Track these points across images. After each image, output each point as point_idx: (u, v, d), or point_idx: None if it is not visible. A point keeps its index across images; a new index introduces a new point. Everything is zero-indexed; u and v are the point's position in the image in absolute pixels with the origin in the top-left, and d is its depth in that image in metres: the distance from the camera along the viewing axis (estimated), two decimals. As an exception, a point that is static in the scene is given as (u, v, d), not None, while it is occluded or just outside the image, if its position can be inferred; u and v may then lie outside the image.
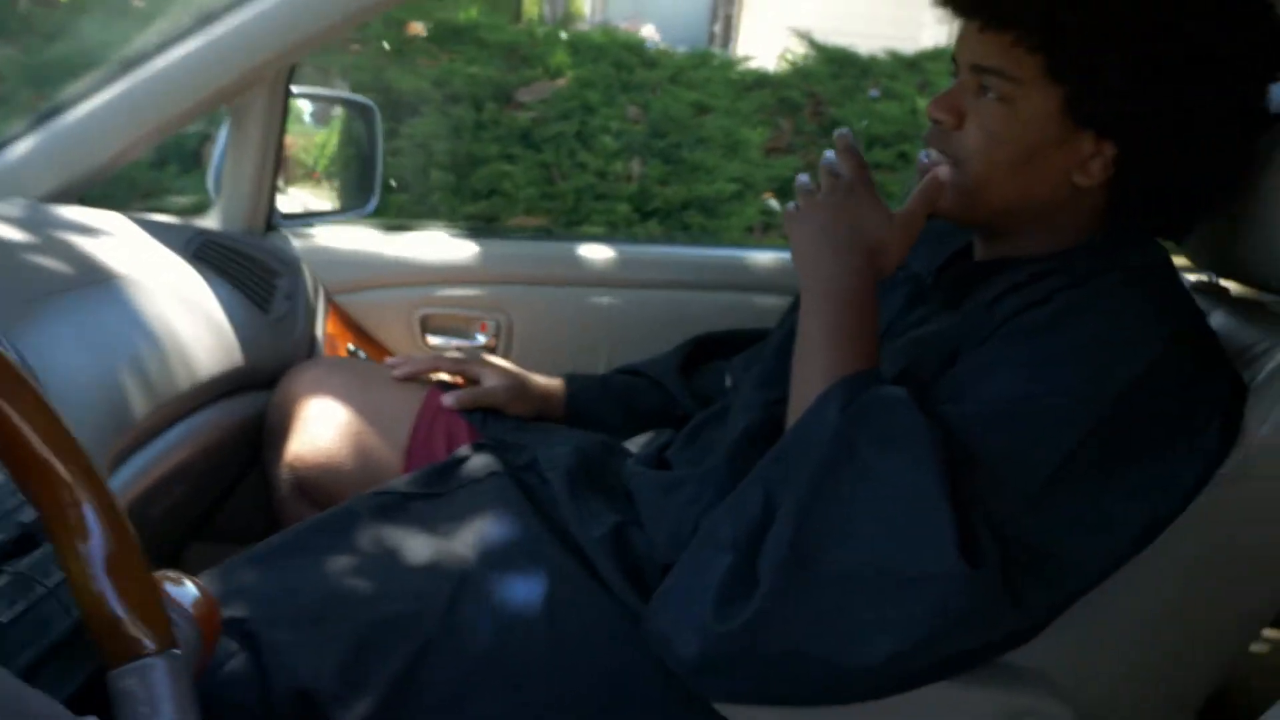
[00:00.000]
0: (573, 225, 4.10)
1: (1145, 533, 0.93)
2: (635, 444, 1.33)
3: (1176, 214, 1.03)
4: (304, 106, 2.33)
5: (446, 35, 4.35)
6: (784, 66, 4.98)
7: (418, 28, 4.44)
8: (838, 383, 0.93)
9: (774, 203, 4.34)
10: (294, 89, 1.68)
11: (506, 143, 4.12)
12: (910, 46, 5.25)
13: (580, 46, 4.37)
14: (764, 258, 1.94)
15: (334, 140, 2.46)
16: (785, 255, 1.95)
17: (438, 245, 1.82)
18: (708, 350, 1.47)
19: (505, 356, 1.77)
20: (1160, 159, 0.97)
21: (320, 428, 1.32)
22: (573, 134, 4.16)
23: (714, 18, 15.51)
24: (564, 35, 4.39)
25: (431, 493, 1.14)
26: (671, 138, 4.23)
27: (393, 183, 3.91)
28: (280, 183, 1.75)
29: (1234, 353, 1.02)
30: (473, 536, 1.08)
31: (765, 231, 4.36)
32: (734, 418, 1.12)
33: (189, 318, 1.33)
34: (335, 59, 4.21)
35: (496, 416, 1.35)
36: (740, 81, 4.56)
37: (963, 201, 1.01)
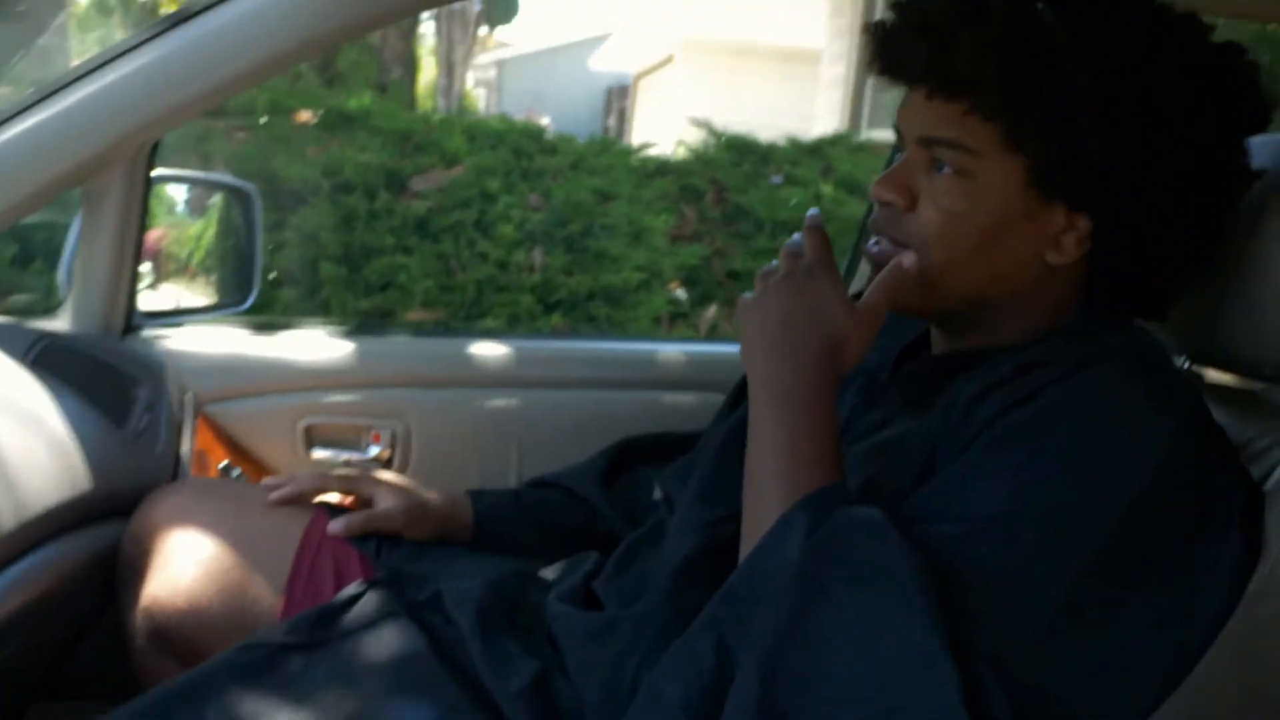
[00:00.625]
0: (473, 319, 3.95)
1: (1174, 670, 0.82)
2: (554, 570, 1.20)
3: (1161, 289, 0.95)
4: (176, 194, 2.15)
5: (337, 122, 4.22)
6: (683, 154, 4.95)
7: (307, 115, 4.29)
8: (799, 503, 0.83)
9: (681, 292, 4.24)
10: (158, 172, 1.52)
11: (401, 233, 3.97)
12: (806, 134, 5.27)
13: (477, 133, 4.27)
14: (676, 351, 1.84)
15: (210, 231, 2.26)
16: (698, 348, 1.87)
17: (323, 345, 1.67)
18: (631, 457, 1.35)
19: (402, 470, 1.66)
20: (1141, 228, 0.89)
21: (182, 564, 1.17)
22: (471, 223, 4.04)
23: (608, 111, 15.84)
24: (460, 122, 4.26)
25: (313, 643, 1.02)
26: (574, 226, 4.13)
27: (273, 275, 3.69)
28: (150, 277, 1.64)
29: (1230, 451, 0.91)
30: (362, 699, 0.96)
31: (673, 322, 4.27)
32: (671, 541, 1.01)
33: (21, 437, 1.13)
34: (218, 146, 4.03)
35: (393, 543, 1.22)
36: (642, 169, 4.51)
37: (924, 292, 0.92)
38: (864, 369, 1.07)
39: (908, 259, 0.91)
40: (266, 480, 1.29)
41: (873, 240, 0.95)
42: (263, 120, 4.11)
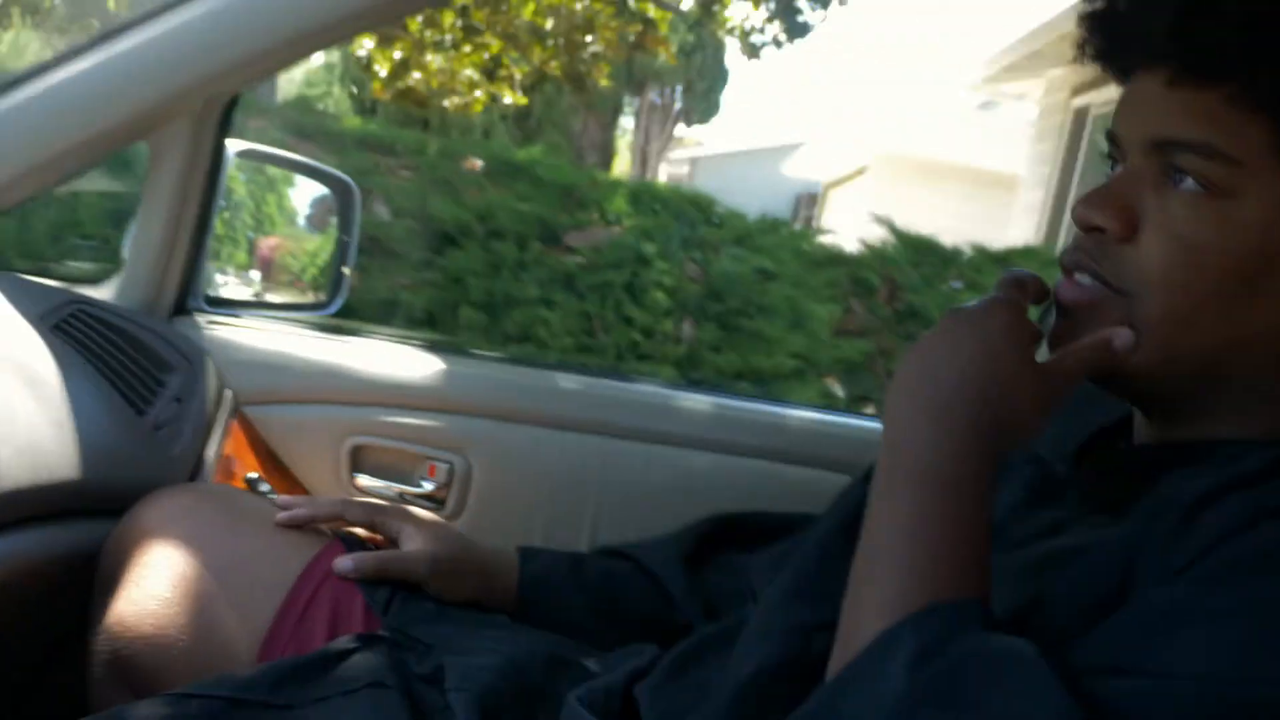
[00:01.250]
0: (610, 385, 3.74)
1: None
2: (600, 661, 1.03)
3: None
4: (299, 204, 2.03)
5: (503, 171, 4.15)
6: (861, 249, 4.71)
7: (474, 163, 4.25)
8: (913, 616, 0.64)
9: (837, 387, 3.95)
10: (240, 146, 1.37)
11: (548, 286, 3.84)
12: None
13: (641, 196, 4.13)
14: (809, 419, 1.57)
15: (328, 249, 2.13)
16: (836, 419, 1.59)
17: (385, 357, 1.44)
18: (727, 535, 1.16)
19: (456, 514, 1.44)
20: None
21: (156, 583, 1.02)
22: (622, 285, 3.88)
23: (795, 217, 15.85)
24: (626, 183, 4.14)
25: (278, 703, 0.87)
26: (731, 302, 3.90)
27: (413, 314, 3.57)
28: (258, 285, 1.46)
29: None
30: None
31: (826, 418, 3.97)
32: (745, 646, 0.84)
33: (14, 400, 0.96)
34: (379, 180, 4.00)
35: (412, 596, 1.06)
36: (811, 255, 4.26)
37: (1142, 361, 0.72)
38: (1035, 456, 0.86)
39: (1120, 339, 0.71)
40: (282, 498, 1.14)
41: (1060, 280, 0.75)
42: (431, 162, 4.05)
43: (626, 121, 16.04)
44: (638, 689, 0.91)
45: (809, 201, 15.79)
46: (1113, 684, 0.59)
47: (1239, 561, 0.61)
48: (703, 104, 15.28)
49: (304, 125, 4.33)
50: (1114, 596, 0.66)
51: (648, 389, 1.57)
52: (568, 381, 1.52)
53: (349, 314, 3.55)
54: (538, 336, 3.77)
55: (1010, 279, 0.74)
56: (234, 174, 1.53)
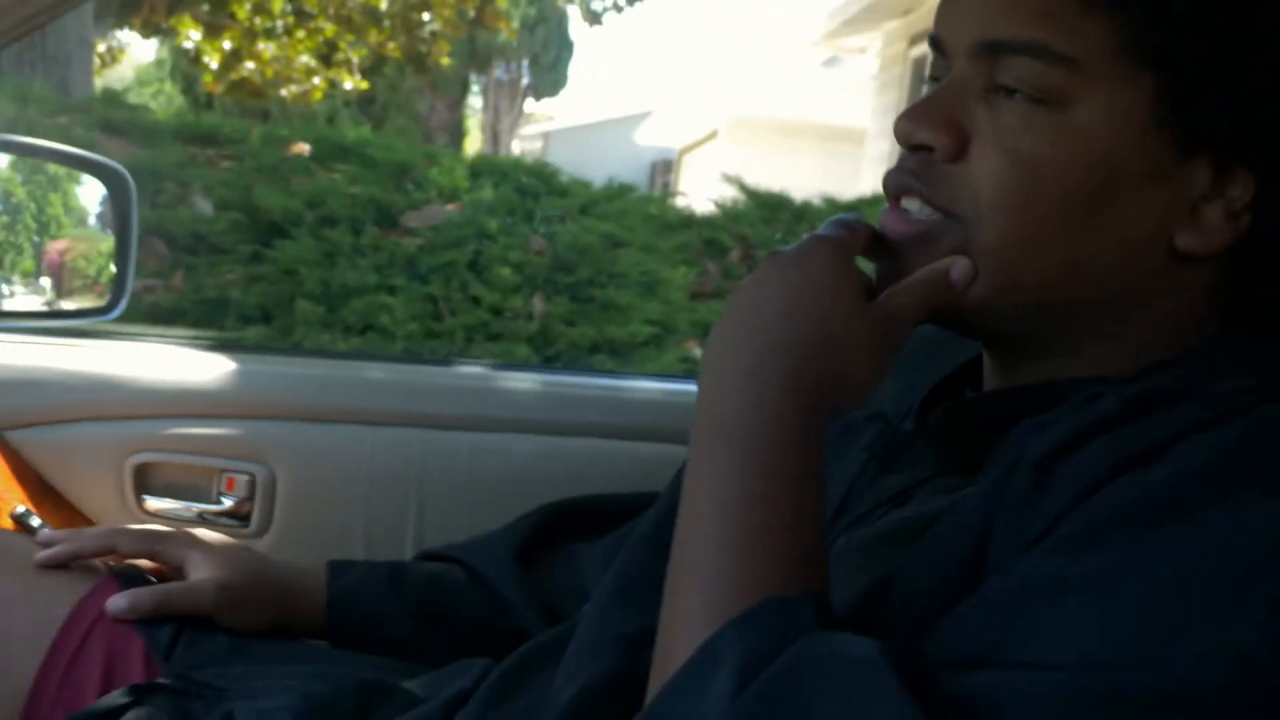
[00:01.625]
0: (461, 368, 3.60)
1: None
2: (424, 683, 0.93)
3: None
4: (89, 203, 1.84)
5: (331, 154, 3.96)
6: (713, 211, 4.65)
7: (302, 147, 4.04)
8: (734, 622, 0.55)
9: (698, 351, 3.88)
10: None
11: (388, 271, 3.68)
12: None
13: (480, 169, 3.98)
14: (655, 390, 1.49)
15: None
16: (679, 387, 1.49)
17: (167, 363, 1.30)
18: (565, 525, 1.08)
19: (263, 529, 1.33)
20: None
21: None
22: (465, 264, 3.73)
23: (652, 184, 15.91)
24: (463, 157, 3.99)
25: None
26: (581, 273, 3.79)
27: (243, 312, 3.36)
28: (50, 293, 1.38)
29: None
30: None
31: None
32: (568, 663, 0.75)
33: None
34: (199, 173, 3.77)
35: (203, 633, 0.97)
36: (661, 220, 4.18)
37: (979, 293, 0.65)
38: (878, 413, 0.79)
39: (958, 269, 0.64)
40: (44, 533, 1.04)
41: (888, 208, 0.67)
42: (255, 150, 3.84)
43: (476, 101, 15.80)
44: (460, 715, 0.82)
45: (664, 168, 15.90)
46: (967, 680, 0.51)
47: (1105, 520, 0.53)
48: (550, 77, 15.14)
49: (113, 120, 4.05)
50: (970, 572, 0.58)
51: (467, 372, 1.45)
52: (376, 371, 1.42)
53: (175, 318, 3.32)
54: (381, 325, 3.61)
55: (838, 221, 0.66)
56: (9, 174, 1.36)
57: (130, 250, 1.49)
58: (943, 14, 0.66)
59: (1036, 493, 0.56)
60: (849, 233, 0.64)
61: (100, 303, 1.50)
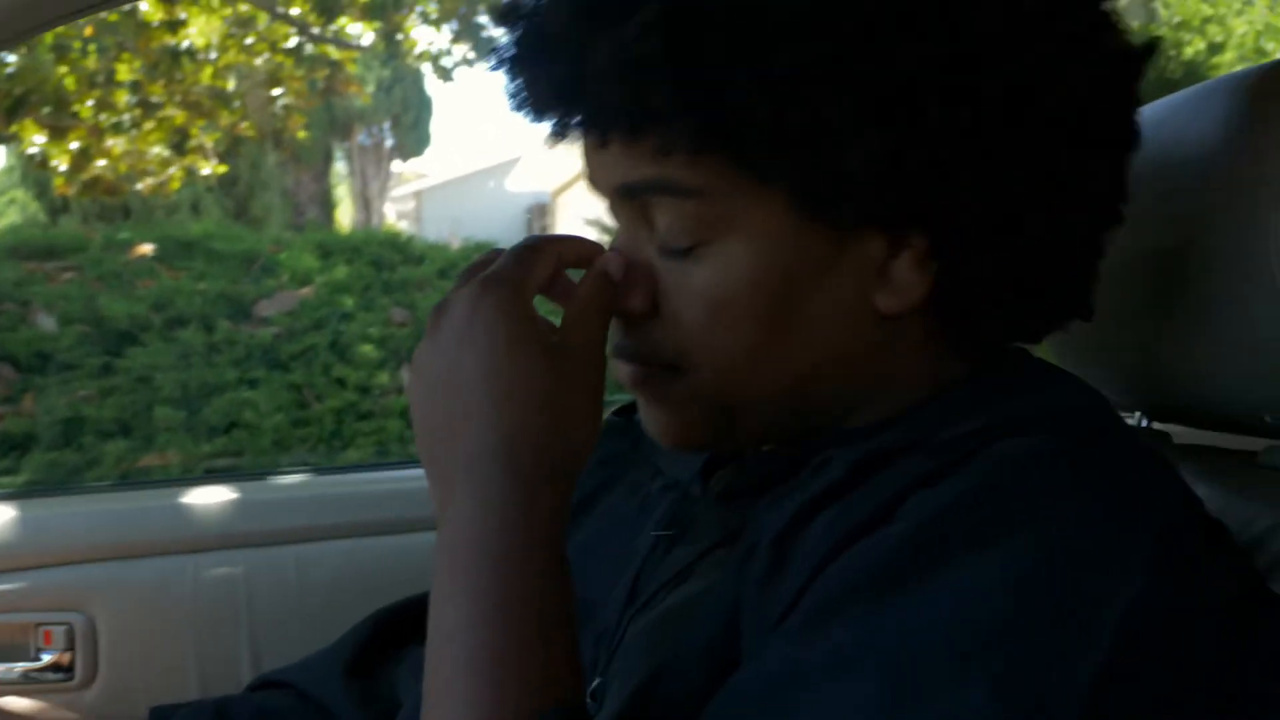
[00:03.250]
0: (334, 453, 3.51)
1: None
2: None
3: (1050, 304, 0.65)
4: None
5: (175, 252, 3.85)
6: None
7: (146, 248, 3.91)
8: None
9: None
10: None
11: (246, 365, 3.56)
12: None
13: (331, 247, 3.90)
14: None
15: None
16: None
17: None
18: (396, 631, 1.01)
19: (89, 681, 1.26)
20: (1003, 231, 0.59)
21: None
22: (326, 346, 3.64)
23: (530, 231, 15.86)
24: (311, 237, 3.91)
25: None
26: (447, 339, 3.72)
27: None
28: None
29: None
30: None
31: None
32: None
33: None
34: (40, 289, 3.62)
35: None
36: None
37: (716, 424, 0.64)
38: (673, 481, 0.75)
39: (612, 264, 0.62)
40: None
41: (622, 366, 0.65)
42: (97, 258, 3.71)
43: (344, 167, 15.60)
44: None
45: (540, 212, 15.85)
46: None
47: (836, 598, 0.52)
48: (414, 136, 15.02)
49: (-60, 243, 3.90)
50: (726, 658, 0.57)
51: (285, 483, 1.41)
52: (189, 496, 1.33)
53: (28, 444, 3.18)
54: (246, 420, 3.51)
55: (513, 252, 0.62)
56: None
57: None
58: (585, 167, 0.65)
59: (774, 574, 0.56)
60: (521, 268, 0.61)
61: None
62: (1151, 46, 0.63)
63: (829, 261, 0.59)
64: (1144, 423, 0.86)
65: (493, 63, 0.62)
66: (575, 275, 0.65)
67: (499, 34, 0.66)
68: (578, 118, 0.60)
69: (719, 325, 0.60)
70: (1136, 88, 0.62)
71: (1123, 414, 0.81)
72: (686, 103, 0.55)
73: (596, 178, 0.63)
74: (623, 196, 0.61)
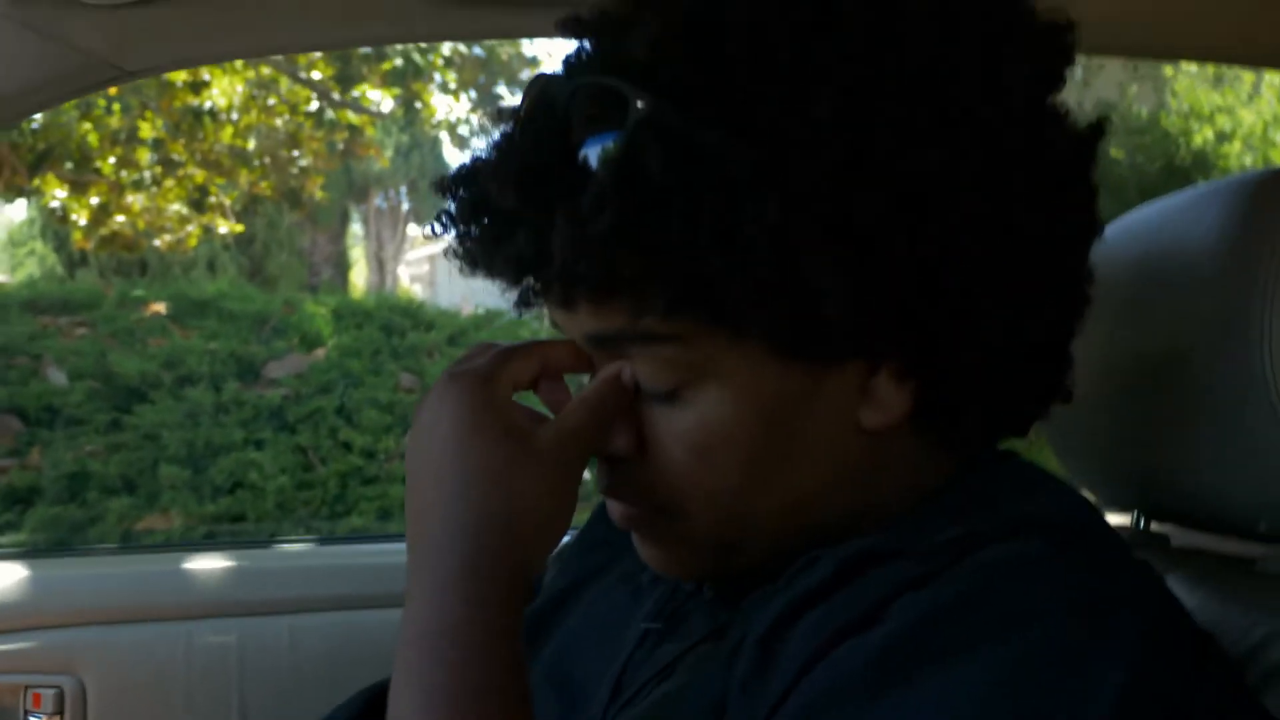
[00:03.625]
0: (337, 517, 3.50)
1: None
2: None
3: (1030, 396, 0.65)
4: None
5: (188, 311, 3.87)
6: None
7: (159, 306, 3.94)
8: None
9: (586, 474, 3.82)
10: None
11: (253, 426, 3.56)
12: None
13: (344, 313, 3.92)
14: None
15: None
16: None
17: None
18: (384, 710, 0.93)
19: None
20: (982, 333, 0.59)
21: None
22: (333, 410, 3.64)
23: (544, 296, 15.96)
24: (324, 301, 3.93)
25: None
26: (453, 406, 3.72)
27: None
28: None
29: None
30: None
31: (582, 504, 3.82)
32: None
33: None
34: (52, 344, 3.64)
35: None
36: (535, 338, 4.14)
37: (715, 559, 0.64)
38: (664, 575, 0.73)
39: (626, 372, 0.60)
40: None
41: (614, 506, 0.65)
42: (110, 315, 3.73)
43: (360, 229, 15.72)
44: None
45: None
46: None
47: (823, 698, 0.51)
48: (430, 202, 15.09)
49: (-45, 297, 3.93)
50: None
51: (283, 551, 1.41)
52: (185, 563, 1.33)
53: (32, 498, 3.17)
54: (250, 481, 3.50)
55: (501, 346, 0.62)
56: None
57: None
58: (551, 319, 0.64)
59: (759, 674, 0.55)
60: (495, 361, 0.60)
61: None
62: (1099, 129, 0.62)
63: (811, 391, 0.59)
64: (1141, 523, 0.86)
65: (439, 229, 0.61)
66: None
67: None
68: (540, 285, 0.60)
69: (706, 467, 0.59)
70: (1091, 174, 0.62)
71: (1120, 514, 0.82)
72: (656, 271, 0.54)
73: (567, 329, 0.62)
74: (596, 345, 0.61)
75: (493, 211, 0.58)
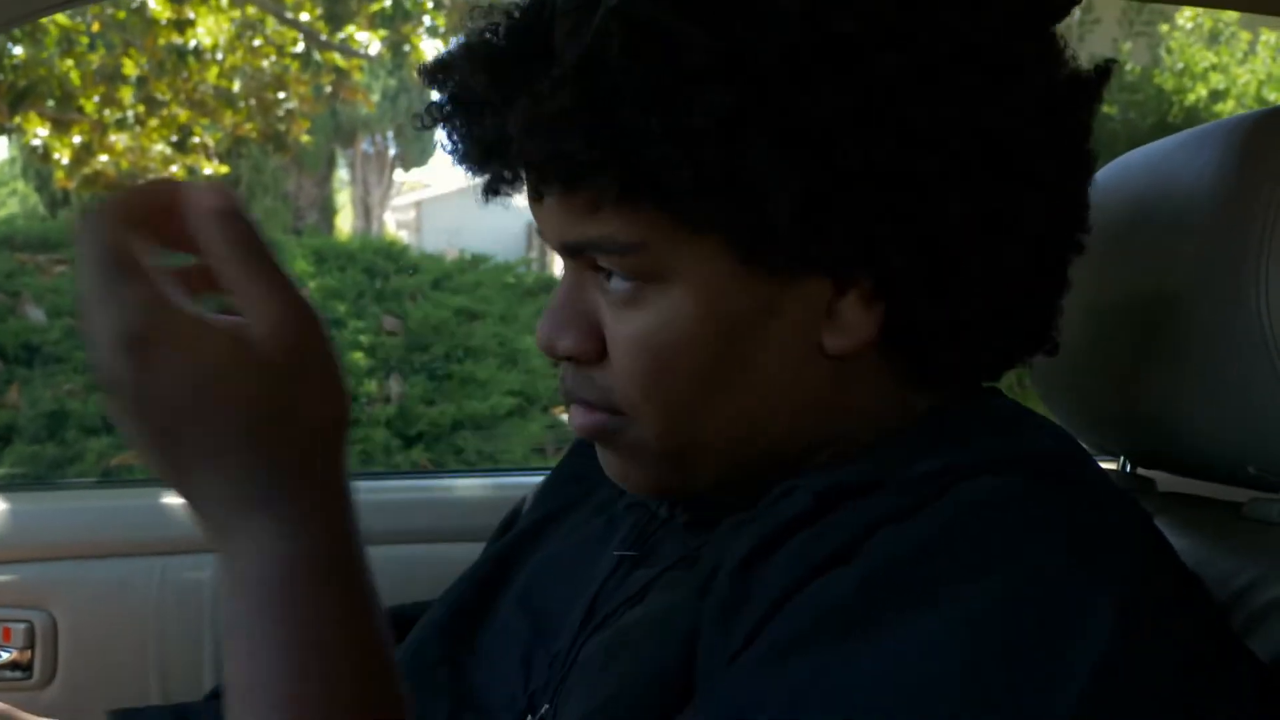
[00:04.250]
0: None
1: None
2: None
3: (1007, 339, 0.63)
4: None
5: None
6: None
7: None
8: None
9: (566, 416, 3.81)
10: None
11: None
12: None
13: (327, 254, 3.88)
14: (481, 486, 1.45)
15: None
16: (515, 480, 1.44)
17: None
18: None
19: (48, 679, 1.23)
20: (943, 270, 0.58)
21: None
22: (315, 352, 3.59)
23: (530, 244, 15.87)
24: (307, 242, 3.90)
25: None
26: (436, 350, 3.71)
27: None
28: None
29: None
30: None
31: (559, 451, 3.82)
32: None
33: None
34: (31, 280, 3.60)
35: None
36: (518, 285, 4.12)
37: (670, 471, 0.63)
38: (638, 502, 0.73)
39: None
40: None
41: (573, 406, 0.64)
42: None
43: (346, 174, 15.60)
44: None
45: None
46: None
47: (796, 634, 0.50)
48: (417, 146, 15.03)
49: (-69, 232, 3.88)
50: (681, 686, 0.55)
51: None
52: (162, 497, 1.31)
53: (10, 436, 3.15)
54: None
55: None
56: None
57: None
58: (532, 210, 0.64)
59: (734, 604, 0.54)
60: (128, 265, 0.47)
61: None
62: (1105, 71, 0.61)
63: (772, 306, 0.58)
64: (1126, 468, 0.85)
65: (425, 120, 0.62)
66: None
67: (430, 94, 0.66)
68: (509, 174, 0.61)
69: (659, 373, 0.59)
70: (1087, 117, 0.62)
71: (1105, 459, 0.81)
72: (605, 155, 0.54)
73: (543, 230, 0.63)
74: (569, 254, 0.61)
75: (466, 96, 0.59)
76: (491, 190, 0.63)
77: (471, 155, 0.61)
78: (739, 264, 0.57)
